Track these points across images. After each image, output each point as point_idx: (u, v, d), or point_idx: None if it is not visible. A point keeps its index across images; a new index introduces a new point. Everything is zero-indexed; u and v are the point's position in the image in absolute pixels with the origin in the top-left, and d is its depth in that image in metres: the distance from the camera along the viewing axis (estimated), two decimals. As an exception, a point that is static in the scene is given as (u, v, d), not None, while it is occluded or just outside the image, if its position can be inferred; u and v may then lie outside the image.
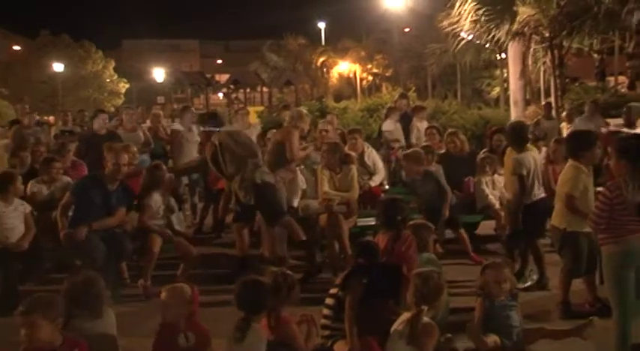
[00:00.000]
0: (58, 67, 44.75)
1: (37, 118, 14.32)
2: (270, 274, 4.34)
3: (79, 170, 8.18)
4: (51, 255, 6.85)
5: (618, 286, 4.46)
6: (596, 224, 4.55)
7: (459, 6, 15.47)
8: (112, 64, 49.86)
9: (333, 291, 4.86)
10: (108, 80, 49.24)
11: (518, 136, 6.78)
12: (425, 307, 4.08)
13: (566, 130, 13.28)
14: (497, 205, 7.90)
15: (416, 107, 11.97)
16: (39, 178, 7.34)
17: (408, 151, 8.39)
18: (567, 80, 18.99)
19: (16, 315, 3.54)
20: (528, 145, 6.75)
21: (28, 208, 6.66)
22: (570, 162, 5.74)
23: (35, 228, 6.62)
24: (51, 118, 30.44)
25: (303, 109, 8.60)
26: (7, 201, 6.45)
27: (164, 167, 7.16)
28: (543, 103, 15.78)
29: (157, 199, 6.79)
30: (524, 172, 6.46)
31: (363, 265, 4.93)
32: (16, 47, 53.67)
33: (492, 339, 4.57)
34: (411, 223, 5.66)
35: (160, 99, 52.57)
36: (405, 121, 11.10)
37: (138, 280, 6.64)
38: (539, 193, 6.65)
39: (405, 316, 4.14)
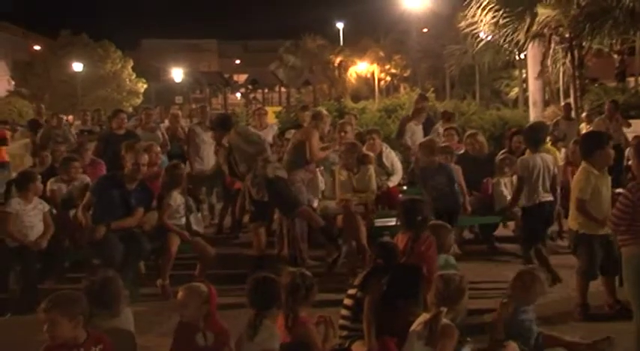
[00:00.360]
0: (77, 66, 45.19)
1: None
2: (288, 274, 4.33)
3: (97, 169, 8.24)
4: (70, 253, 6.90)
5: (638, 288, 4.41)
6: (616, 226, 4.50)
7: (478, 7, 15.40)
8: (131, 63, 50.24)
9: (351, 292, 4.84)
10: (126, 80, 49.62)
11: (535, 137, 6.74)
12: (444, 309, 4.06)
13: (585, 131, 13.16)
14: (516, 207, 7.85)
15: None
16: (58, 177, 7.40)
17: (424, 140, 8.37)
18: (587, 81, 18.85)
19: (38, 312, 3.57)
20: (548, 146, 6.72)
21: (47, 206, 6.72)
22: (582, 164, 5.70)
23: (54, 226, 6.68)
24: (70, 118, 30.72)
25: (323, 110, 8.59)
26: (26, 199, 6.52)
27: (182, 166, 7.19)
28: (562, 103, 15.65)
29: (176, 198, 6.82)
30: (525, 174, 6.45)
31: (382, 265, 4.91)
32: (37, 47, 54.36)
33: (512, 347, 4.56)
34: (431, 223, 5.63)
35: (179, 99, 52.94)
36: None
37: (156, 280, 6.68)
38: (544, 196, 6.61)
39: (424, 317, 4.12)
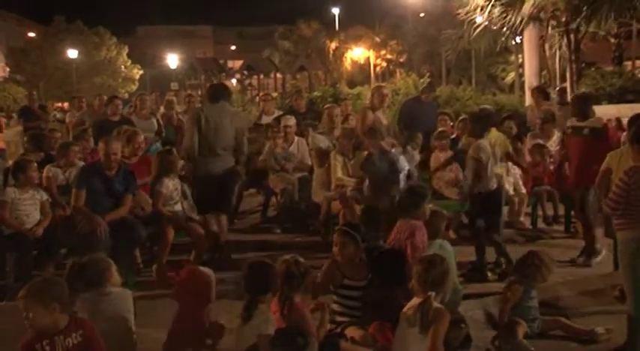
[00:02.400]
0: (72, 53, 44.94)
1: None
2: (282, 262, 4.35)
3: (98, 157, 8.20)
4: (66, 241, 6.88)
5: (633, 273, 4.42)
6: (612, 210, 4.50)
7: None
8: (126, 50, 49.97)
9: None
10: (122, 67, 49.38)
11: (483, 122, 6.71)
12: (432, 293, 4.06)
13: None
14: (511, 192, 7.86)
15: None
16: (55, 163, 7.38)
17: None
18: (583, 65, 18.78)
19: (17, 300, 3.57)
20: (494, 131, 6.79)
21: (44, 195, 6.70)
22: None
23: (52, 214, 6.67)
24: (65, 105, 30.60)
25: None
26: (22, 188, 6.50)
27: (175, 152, 7.14)
28: (558, 88, 15.61)
29: (168, 184, 6.79)
30: (484, 159, 6.41)
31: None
32: (31, 34, 53.97)
33: (523, 329, 4.61)
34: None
35: (174, 85, 52.73)
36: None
37: (152, 266, 6.67)
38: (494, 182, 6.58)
39: (415, 301, 4.12)
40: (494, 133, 6.86)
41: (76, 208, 6.39)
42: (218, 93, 7.42)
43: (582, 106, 7.07)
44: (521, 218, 8.22)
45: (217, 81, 42.85)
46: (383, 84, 9.71)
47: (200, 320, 4.35)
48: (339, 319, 4.77)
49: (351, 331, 4.59)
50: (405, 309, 4.13)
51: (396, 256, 4.94)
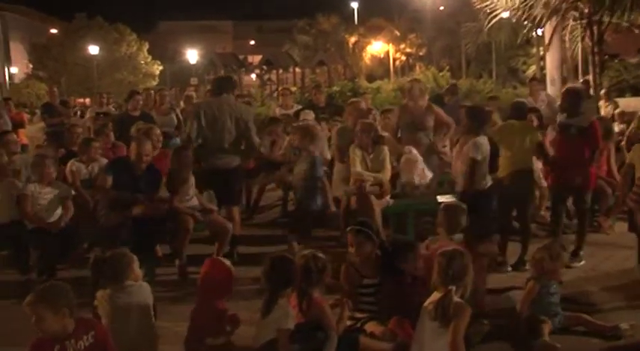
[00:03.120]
0: (93, 49, 45.28)
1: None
2: (301, 257, 4.35)
3: (119, 151, 8.27)
4: (88, 235, 6.95)
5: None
6: (636, 203, 4.45)
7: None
8: (146, 46, 50.25)
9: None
10: (142, 62, 49.66)
11: (479, 119, 6.62)
12: (453, 287, 4.03)
13: (604, 108, 12.99)
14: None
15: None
16: (78, 158, 7.46)
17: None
18: (606, 57, 18.51)
19: (23, 306, 3.53)
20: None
21: (65, 190, 6.78)
22: None
23: (74, 208, 6.74)
24: (87, 101, 30.88)
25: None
26: (42, 182, 6.57)
27: (189, 148, 7.14)
28: (581, 80, 15.43)
29: (185, 180, 6.79)
30: (479, 157, 6.31)
31: None
32: (53, 30, 54.47)
33: (548, 327, 4.57)
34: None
35: (194, 80, 52.89)
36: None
37: (173, 261, 6.71)
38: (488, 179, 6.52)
39: (435, 296, 4.10)
40: (518, 126, 6.79)
41: (103, 192, 6.48)
42: (221, 86, 7.40)
43: (573, 101, 6.73)
44: (542, 212, 8.14)
45: (237, 76, 43.11)
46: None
47: (218, 311, 4.37)
48: (358, 315, 4.76)
49: (371, 327, 4.59)
50: (425, 303, 4.11)
51: (406, 249, 4.91)
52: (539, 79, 12.90)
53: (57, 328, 3.54)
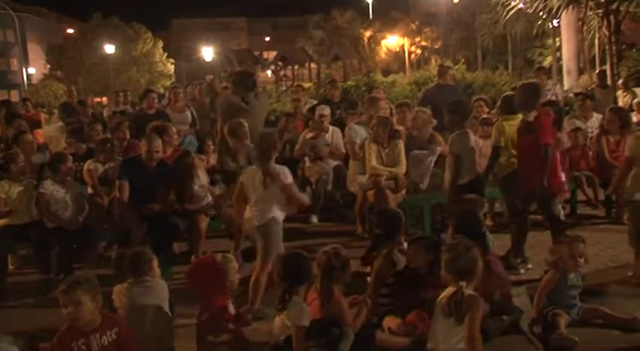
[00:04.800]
0: (109, 48, 45.60)
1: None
2: (323, 253, 4.35)
3: (135, 149, 8.32)
4: (106, 234, 7.01)
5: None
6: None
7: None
8: (161, 44, 50.50)
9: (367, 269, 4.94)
10: (158, 61, 49.91)
11: (461, 113, 6.58)
12: (463, 283, 4.00)
13: (622, 98, 12.85)
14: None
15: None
16: (95, 158, 7.52)
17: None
18: (624, 47, 18.31)
19: (58, 294, 3.55)
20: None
21: (80, 188, 6.83)
22: None
23: (89, 207, 6.80)
24: (104, 99, 31.10)
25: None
26: (59, 181, 6.64)
27: (191, 154, 7.11)
28: (597, 71, 15.26)
29: (191, 184, 6.72)
30: (462, 152, 6.25)
31: (381, 236, 4.93)
32: (70, 30, 54.95)
33: (564, 320, 4.54)
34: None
35: (209, 78, 53.16)
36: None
37: (189, 258, 6.75)
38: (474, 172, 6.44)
39: (448, 290, 4.07)
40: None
41: (121, 201, 6.50)
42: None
43: (527, 97, 6.07)
44: (560, 207, 8.05)
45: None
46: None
47: (217, 309, 4.28)
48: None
49: (389, 321, 4.57)
50: (439, 298, 4.10)
51: (425, 242, 4.89)
52: (547, 69, 12.80)
53: (90, 317, 3.57)
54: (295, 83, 14.27)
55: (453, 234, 4.92)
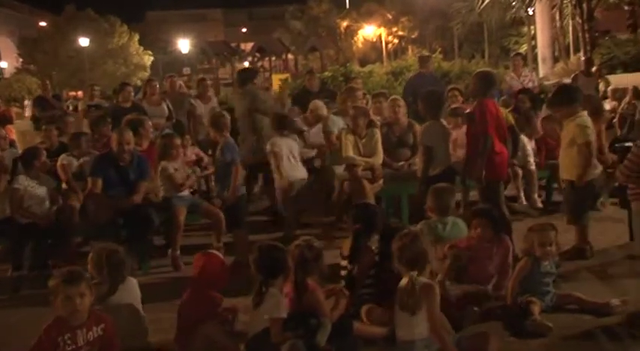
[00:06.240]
0: (83, 41, 44.96)
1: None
2: (296, 246, 4.35)
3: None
4: (80, 229, 6.95)
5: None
6: (627, 178, 4.44)
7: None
8: (137, 37, 49.96)
9: (343, 263, 4.96)
10: (134, 53, 49.38)
11: (435, 104, 6.61)
12: (414, 273, 4.03)
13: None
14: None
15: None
16: (70, 152, 7.44)
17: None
18: (597, 34, 18.47)
19: (56, 287, 3.55)
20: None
21: (51, 183, 6.77)
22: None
23: (64, 202, 6.74)
24: (79, 93, 30.76)
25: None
26: (33, 176, 6.57)
27: (175, 137, 7.12)
28: (580, 58, 15.37)
29: (171, 169, 6.76)
30: (429, 143, 6.31)
31: (361, 230, 4.96)
32: (42, 23, 54.08)
33: (537, 307, 4.60)
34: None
35: (186, 70, 52.71)
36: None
37: (167, 251, 6.73)
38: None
39: (403, 281, 4.09)
40: None
41: (93, 196, 6.44)
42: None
43: (481, 86, 6.16)
44: (535, 195, 8.13)
45: (230, 64, 42.89)
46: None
47: (214, 301, 4.40)
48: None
49: (367, 311, 4.58)
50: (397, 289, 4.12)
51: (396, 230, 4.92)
52: (524, 55, 12.92)
53: (80, 310, 3.56)
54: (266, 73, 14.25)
55: (353, 224, 5.02)
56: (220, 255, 4.65)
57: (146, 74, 46.47)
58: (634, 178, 4.41)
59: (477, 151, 5.88)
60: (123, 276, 4.27)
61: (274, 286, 4.12)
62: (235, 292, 4.64)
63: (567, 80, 12.61)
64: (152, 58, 50.68)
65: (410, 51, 37.48)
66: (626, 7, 23.59)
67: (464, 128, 7.31)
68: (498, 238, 5.03)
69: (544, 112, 9.01)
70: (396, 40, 49.03)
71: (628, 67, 16.23)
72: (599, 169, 6.05)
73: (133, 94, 10.38)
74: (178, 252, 6.58)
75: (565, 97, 6.02)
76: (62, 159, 7.37)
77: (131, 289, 4.32)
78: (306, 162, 8.07)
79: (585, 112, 5.95)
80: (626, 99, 10.99)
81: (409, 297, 3.97)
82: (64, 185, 7.27)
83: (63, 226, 6.52)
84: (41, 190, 6.56)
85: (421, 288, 3.98)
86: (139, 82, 38.00)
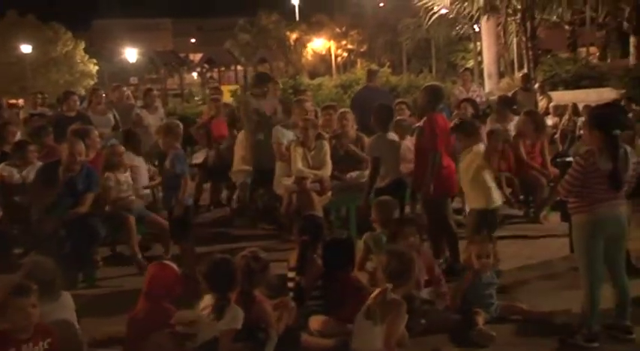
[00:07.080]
0: (25, 48, 43.86)
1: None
2: (241, 258, 4.32)
3: (55, 154, 8.00)
4: (21, 241, 6.74)
5: (587, 255, 4.49)
6: (567, 192, 4.56)
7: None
8: (83, 45, 49.04)
9: (290, 275, 4.98)
10: (79, 62, 48.43)
11: (383, 117, 6.70)
12: (389, 286, 4.08)
13: (539, 102, 13.35)
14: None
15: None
16: (11, 162, 7.18)
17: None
18: (540, 52, 19.06)
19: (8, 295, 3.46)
20: None
21: None
22: None
23: (2, 212, 6.53)
24: (20, 101, 29.90)
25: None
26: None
27: (121, 148, 7.07)
28: (520, 74, 15.80)
29: (115, 179, 6.75)
30: (377, 155, 6.41)
31: (308, 242, 5.00)
32: (-18, 29, 52.55)
33: (481, 317, 4.68)
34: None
35: (133, 80, 51.97)
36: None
37: (112, 262, 6.61)
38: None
39: (376, 291, 4.14)
40: None
41: (38, 208, 6.30)
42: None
43: (429, 100, 6.29)
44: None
45: (178, 74, 42.64)
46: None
47: (167, 312, 4.31)
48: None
49: (314, 321, 4.57)
50: (368, 301, 4.15)
51: (342, 243, 5.00)
52: (472, 70, 13.28)
53: (26, 323, 3.46)
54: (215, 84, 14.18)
55: (300, 235, 5.11)
56: (174, 266, 4.56)
57: (92, 83, 45.63)
58: (574, 193, 4.52)
59: (426, 165, 5.96)
60: (54, 292, 4.13)
61: (230, 299, 4.07)
62: (184, 303, 4.56)
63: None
64: (97, 67, 49.78)
65: (359, 64, 37.80)
66: (566, 27, 24.44)
67: (407, 140, 7.47)
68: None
69: (488, 125, 9.19)
70: (345, 54, 49.50)
71: (569, 85, 16.77)
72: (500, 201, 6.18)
73: (78, 102, 10.16)
74: (140, 255, 6.57)
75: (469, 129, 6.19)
76: (2, 169, 7.11)
77: (65, 304, 4.20)
78: None
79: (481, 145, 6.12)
80: (566, 116, 11.33)
81: (377, 307, 4.01)
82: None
83: (3, 237, 6.34)
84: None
85: (392, 302, 4.03)
86: (83, 91, 37.28)
